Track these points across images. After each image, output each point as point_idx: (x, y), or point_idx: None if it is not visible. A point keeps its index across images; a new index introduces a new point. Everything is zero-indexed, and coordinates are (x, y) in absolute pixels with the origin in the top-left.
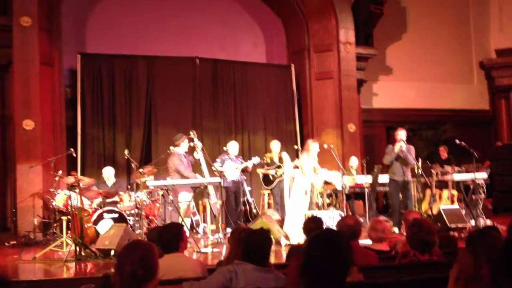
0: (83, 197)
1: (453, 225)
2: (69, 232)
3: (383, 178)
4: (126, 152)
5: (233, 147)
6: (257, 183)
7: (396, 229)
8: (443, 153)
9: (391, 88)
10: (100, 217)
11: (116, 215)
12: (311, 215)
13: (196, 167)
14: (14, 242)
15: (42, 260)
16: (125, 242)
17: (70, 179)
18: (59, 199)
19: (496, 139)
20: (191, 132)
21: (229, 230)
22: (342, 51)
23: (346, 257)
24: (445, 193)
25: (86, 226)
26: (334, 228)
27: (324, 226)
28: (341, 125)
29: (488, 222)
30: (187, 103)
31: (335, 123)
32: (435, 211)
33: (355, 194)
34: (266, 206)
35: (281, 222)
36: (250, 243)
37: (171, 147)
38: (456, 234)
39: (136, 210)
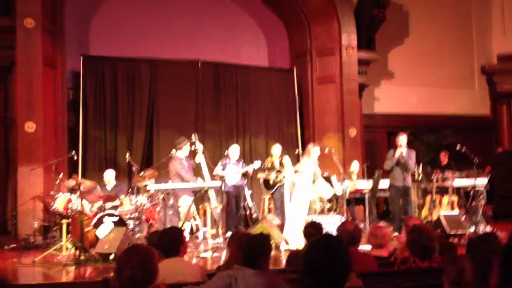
0: (83, 201)
1: (452, 231)
2: (69, 235)
3: (384, 184)
4: (127, 155)
5: (234, 151)
6: (257, 187)
7: (396, 235)
8: (444, 158)
9: (392, 92)
10: (100, 221)
11: (116, 219)
12: (311, 220)
13: (197, 171)
14: (14, 245)
15: (42, 263)
16: (125, 246)
17: (71, 182)
18: (59, 202)
19: (497, 144)
20: (192, 136)
21: (229, 234)
22: (344, 55)
23: (345, 262)
24: (445, 199)
25: (86, 230)
26: (335, 233)
27: (324, 231)
28: (343, 129)
29: (488, 228)
30: (189, 106)
31: (337, 127)
32: (435, 217)
33: (356, 199)
34: (266, 210)
35: (281, 227)
36: (250, 248)
37: (173, 151)
38: (455, 240)
39: (137, 214)
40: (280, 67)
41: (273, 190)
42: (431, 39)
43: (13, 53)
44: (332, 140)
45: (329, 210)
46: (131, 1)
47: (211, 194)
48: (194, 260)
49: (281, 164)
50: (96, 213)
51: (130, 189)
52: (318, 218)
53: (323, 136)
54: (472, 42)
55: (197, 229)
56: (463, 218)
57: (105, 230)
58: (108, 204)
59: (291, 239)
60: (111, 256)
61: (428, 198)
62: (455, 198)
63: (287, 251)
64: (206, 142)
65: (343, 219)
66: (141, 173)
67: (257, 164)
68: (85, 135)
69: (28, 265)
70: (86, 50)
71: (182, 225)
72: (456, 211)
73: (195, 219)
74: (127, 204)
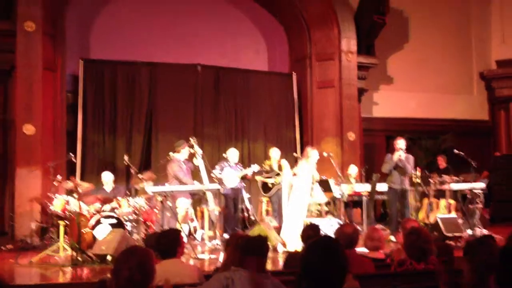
0: (81, 202)
1: (449, 234)
2: (66, 237)
3: (382, 187)
4: (125, 158)
5: (233, 154)
6: (256, 190)
7: (393, 238)
8: (442, 162)
9: (391, 97)
10: (98, 222)
11: (114, 221)
12: (309, 222)
13: (195, 173)
14: (11, 246)
15: (39, 264)
16: (122, 247)
17: (69, 184)
18: (57, 204)
19: (495, 149)
20: (191, 139)
21: (226, 236)
22: (343, 60)
23: (343, 264)
24: (443, 202)
25: (83, 231)
26: (332, 235)
27: (322, 234)
28: (341, 133)
29: (485, 232)
30: (188, 110)
31: (335, 131)
32: (432, 220)
33: (354, 202)
34: (264, 213)
35: (278, 230)
36: (247, 250)
37: (171, 153)
38: (452, 243)
39: (134, 216)
40: (280, 72)
41: (271, 193)
42: (430, 45)
43: (13, 57)
44: (331, 144)
45: (327, 213)
46: (132, 5)
47: (209, 196)
48: (192, 262)
49: (279, 167)
50: (94, 215)
51: (128, 191)
52: (315, 221)
53: (322, 140)
54: (471, 49)
55: (195, 231)
56: (460, 221)
57: (103, 231)
58: (106, 206)
59: (288, 241)
60: (108, 258)
61: (426, 201)
62: (452, 202)
63: (284, 253)
64: (205, 145)
65: (341, 222)
66: (139, 175)
67: (255, 167)
68: (84, 138)
69: (25, 265)
70: (86, 53)
71: (180, 227)
72: (453, 214)
73: (192, 221)
74: (125, 206)
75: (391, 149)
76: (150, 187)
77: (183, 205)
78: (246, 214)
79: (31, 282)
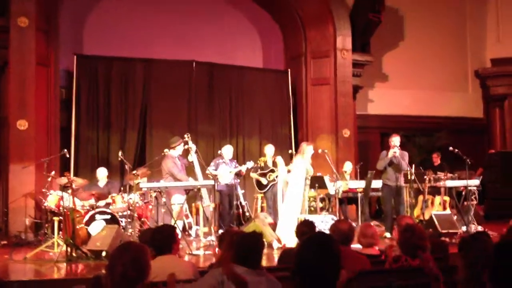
0: (75, 198)
1: (444, 231)
2: (60, 232)
3: (376, 184)
4: (120, 153)
5: (227, 151)
6: (250, 186)
7: (388, 234)
8: (436, 159)
9: (386, 95)
10: (92, 218)
11: (108, 217)
12: (304, 219)
13: (189, 169)
14: (5, 242)
15: (33, 260)
16: (116, 243)
17: (63, 180)
18: (51, 200)
19: (490, 147)
20: (185, 135)
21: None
22: (339, 58)
23: (337, 261)
24: (437, 199)
25: (78, 227)
26: (327, 232)
27: (317, 230)
28: (336, 130)
29: (480, 229)
30: (183, 106)
31: (330, 128)
32: (427, 217)
33: (348, 199)
34: (259, 209)
35: (273, 226)
36: (242, 246)
37: (166, 150)
38: (447, 239)
39: (129, 212)
40: (275, 68)
41: (266, 189)
42: (425, 43)
43: (6, 53)
44: (326, 141)
45: (322, 209)
46: (126, 1)
47: (204, 192)
48: (186, 258)
49: (274, 164)
50: (88, 211)
51: (122, 187)
52: (310, 217)
53: (317, 137)
54: (466, 46)
55: (190, 227)
56: (454, 218)
57: (97, 227)
58: (101, 202)
59: (283, 237)
60: (103, 253)
61: (420, 198)
62: (447, 199)
63: (279, 249)
64: (199, 142)
65: (336, 219)
66: (134, 171)
67: (250, 164)
68: (78, 134)
69: (20, 261)
70: (80, 49)
71: (175, 223)
72: (448, 211)
73: (187, 217)
74: (119, 202)
75: (386, 146)
76: (144, 183)
77: (178, 201)
78: (241, 211)
79: (25, 278)
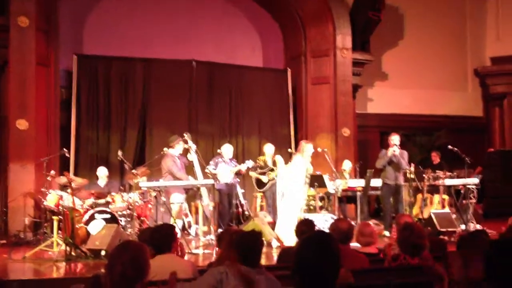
0: (75, 198)
1: (443, 229)
2: (59, 232)
3: (376, 182)
4: (119, 153)
5: (227, 150)
6: (250, 185)
7: (387, 233)
8: (435, 158)
9: (386, 93)
10: (92, 218)
11: (107, 216)
12: (304, 218)
13: (189, 168)
14: (4, 241)
15: (32, 259)
16: (116, 242)
17: (62, 179)
18: (51, 199)
19: (489, 145)
20: (185, 134)
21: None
22: (338, 57)
23: (336, 259)
24: (436, 197)
25: (77, 226)
26: (326, 231)
27: (316, 229)
28: (336, 129)
29: (478, 227)
30: (183, 106)
31: (330, 127)
32: (426, 215)
33: (348, 197)
34: (258, 208)
35: (272, 225)
36: (242, 245)
37: (165, 149)
38: (446, 238)
39: (128, 211)
40: (274, 68)
41: (265, 188)
42: (425, 42)
43: (6, 52)
44: (325, 140)
45: (321, 208)
46: (126, 1)
47: (203, 191)
48: (186, 257)
49: (273, 163)
50: (88, 210)
51: (122, 186)
52: (310, 216)
53: (316, 136)
54: (466, 46)
55: (189, 226)
56: (453, 216)
57: (97, 226)
58: (100, 201)
59: (283, 236)
60: (102, 253)
61: (419, 196)
62: (446, 197)
63: (278, 248)
64: (199, 141)
65: (335, 217)
66: (133, 171)
67: (249, 163)
68: (78, 133)
69: (19, 261)
70: (79, 49)
71: (174, 222)
72: (446, 210)
73: (187, 216)
74: (119, 201)
75: (386, 145)
76: (144, 182)
77: (177, 200)
78: (240, 210)
79: (24, 277)
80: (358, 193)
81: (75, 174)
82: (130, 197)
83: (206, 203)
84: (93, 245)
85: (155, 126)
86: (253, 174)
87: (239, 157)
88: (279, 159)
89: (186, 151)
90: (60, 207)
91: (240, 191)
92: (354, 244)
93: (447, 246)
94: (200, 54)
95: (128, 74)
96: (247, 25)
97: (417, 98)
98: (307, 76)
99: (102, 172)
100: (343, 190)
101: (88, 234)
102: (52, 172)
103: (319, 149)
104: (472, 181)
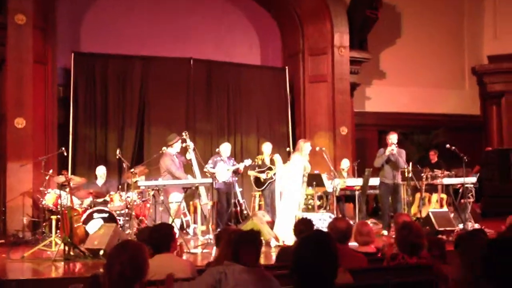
0: (73, 197)
1: (441, 228)
2: (58, 231)
3: (374, 181)
4: (118, 151)
5: (225, 148)
6: (248, 184)
7: (385, 232)
8: (433, 157)
9: (384, 92)
10: (90, 217)
11: (106, 215)
12: (302, 217)
13: (187, 167)
14: (3, 241)
15: (31, 259)
16: (114, 242)
17: (61, 178)
18: (49, 198)
19: (487, 144)
20: (183, 133)
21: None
22: (336, 55)
23: (334, 258)
24: (434, 196)
25: (75, 226)
26: (325, 230)
27: (315, 228)
28: (334, 128)
29: (477, 226)
30: (181, 104)
31: (328, 126)
32: (424, 215)
33: (346, 196)
34: (257, 207)
35: (271, 224)
36: (240, 244)
37: (164, 148)
38: (444, 237)
39: (127, 210)
40: (272, 66)
41: (264, 187)
42: (423, 40)
43: (3, 50)
44: (323, 138)
45: (319, 207)
46: None
47: (202, 191)
48: (184, 256)
49: (271, 161)
50: (86, 209)
51: (120, 186)
52: (308, 215)
53: (314, 134)
54: (463, 43)
55: (188, 226)
56: (451, 215)
57: (95, 226)
58: (98, 201)
59: (281, 235)
60: (101, 252)
61: (418, 195)
62: (444, 196)
63: (277, 247)
64: (197, 140)
65: (333, 216)
66: (132, 170)
67: (247, 162)
68: (75, 132)
69: (17, 260)
70: (77, 47)
71: (172, 222)
72: (445, 209)
73: (185, 216)
74: (117, 200)
75: (384, 144)
76: (142, 182)
77: (176, 199)
78: (239, 209)
79: (23, 277)
80: (357, 192)
81: (73, 172)
82: (129, 196)
83: (205, 202)
84: (92, 244)
85: (153, 124)
86: (251, 173)
87: (237, 156)
88: (277, 158)
89: (184, 150)
90: (58, 207)
91: (238, 190)
92: (351, 244)
93: (446, 245)
94: (198, 52)
95: (126, 72)
96: (245, 23)
97: (414, 96)
98: (304, 74)
99: (101, 171)
100: (342, 189)
101: (86, 233)
102: (51, 171)
103: (317, 148)
104: (470, 180)
